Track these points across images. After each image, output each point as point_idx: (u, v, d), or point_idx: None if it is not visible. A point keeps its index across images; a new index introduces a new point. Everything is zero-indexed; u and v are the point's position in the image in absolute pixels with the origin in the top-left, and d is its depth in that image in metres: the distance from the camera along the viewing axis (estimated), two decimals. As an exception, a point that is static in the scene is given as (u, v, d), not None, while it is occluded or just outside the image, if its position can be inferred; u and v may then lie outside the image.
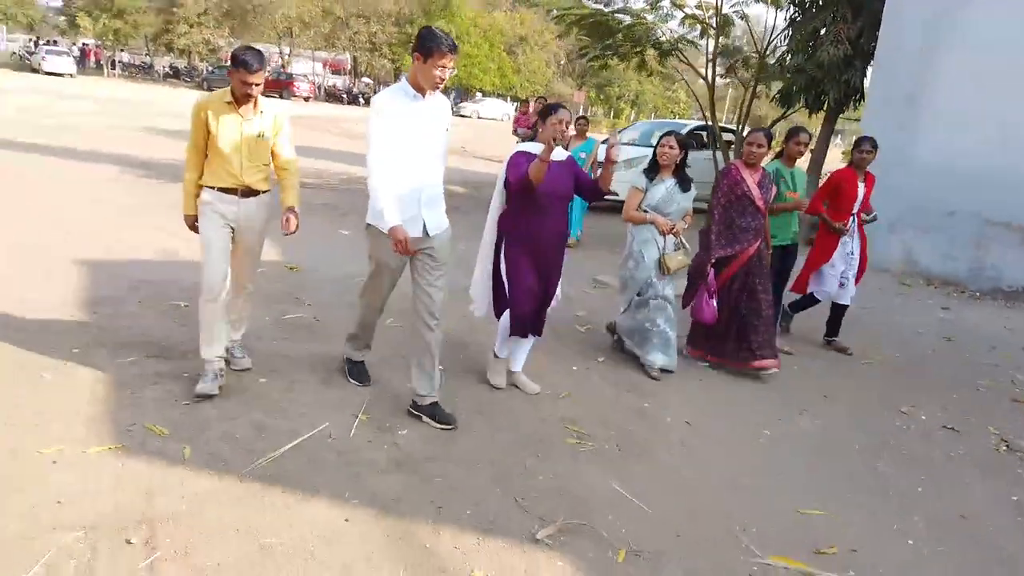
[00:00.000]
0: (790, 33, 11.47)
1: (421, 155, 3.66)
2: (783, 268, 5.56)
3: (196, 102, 3.77)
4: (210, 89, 38.29)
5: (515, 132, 12.81)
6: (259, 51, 3.72)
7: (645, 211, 4.84)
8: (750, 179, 4.92)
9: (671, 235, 4.82)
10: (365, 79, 52.13)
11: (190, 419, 3.42)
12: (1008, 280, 8.87)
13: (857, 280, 5.88)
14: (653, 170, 4.85)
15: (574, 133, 8.29)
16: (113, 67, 46.50)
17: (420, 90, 3.61)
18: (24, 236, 6.28)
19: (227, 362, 3.97)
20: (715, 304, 4.94)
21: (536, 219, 4.09)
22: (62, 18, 44.41)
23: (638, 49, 11.52)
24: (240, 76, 3.58)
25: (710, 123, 11.68)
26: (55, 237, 6.36)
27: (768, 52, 11.51)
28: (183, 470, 2.98)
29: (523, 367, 4.49)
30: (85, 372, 3.79)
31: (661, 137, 4.83)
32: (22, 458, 2.91)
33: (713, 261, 4.96)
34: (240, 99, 3.71)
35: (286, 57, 49.69)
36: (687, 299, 5.18)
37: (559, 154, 4.19)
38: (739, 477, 3.57)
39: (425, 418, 3.77)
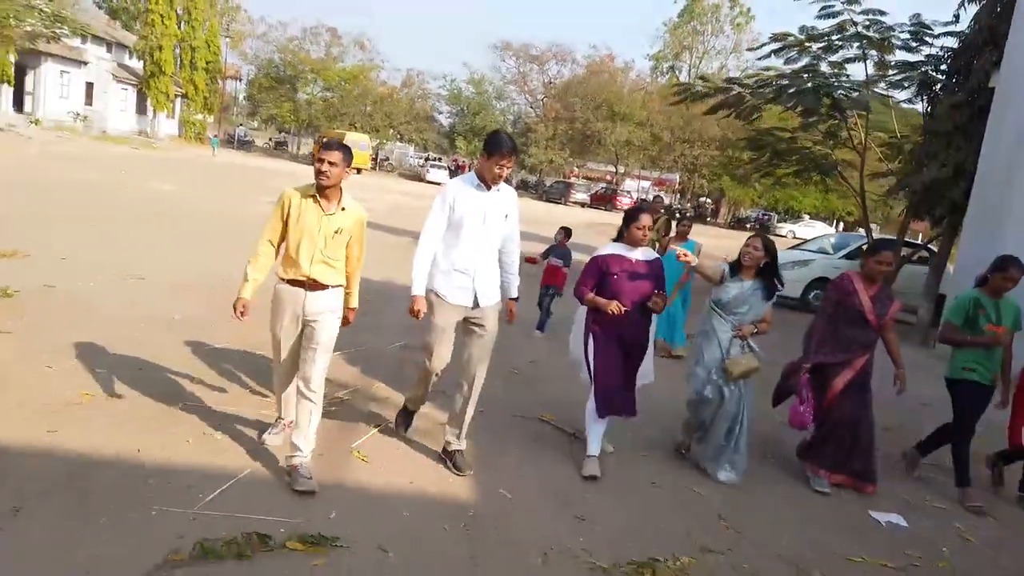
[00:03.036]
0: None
1: (479, 237, 4.11)
2: (974, 408, 4.90)
3: (281, 192, 3.83)
4: (548, 201, 45.18)
5: None
6: (340, 142, 3.83)
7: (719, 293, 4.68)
8: (864, 291, 4.72)
9: (738, 338, 4.62)
10: (704, 198, 54.77)
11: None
12: None
13: None
14: (736, 268, 4.70)
15: (673, 235, 8.74)
16: (477, 178, 56.14)
17: (484, 182, 4.11)
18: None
19: (288, 473, 3.72)
20: (805, 410, 4.71)
21: (614, 319, 4.35)
22: (446, 140, 55.60)
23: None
24: (320, 155, 3.68)
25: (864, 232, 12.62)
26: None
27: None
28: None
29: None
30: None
31: (748, 240, 4.73)
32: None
33: (808, 367, 4.77)
34: (321, 190, 3.71)
35: (618, 176, 54.98)
36: (776, 399, 5.10)
37: (645, 254, 4.53)
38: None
39: (448, 464, 4.21)
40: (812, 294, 13.05)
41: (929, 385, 8.01)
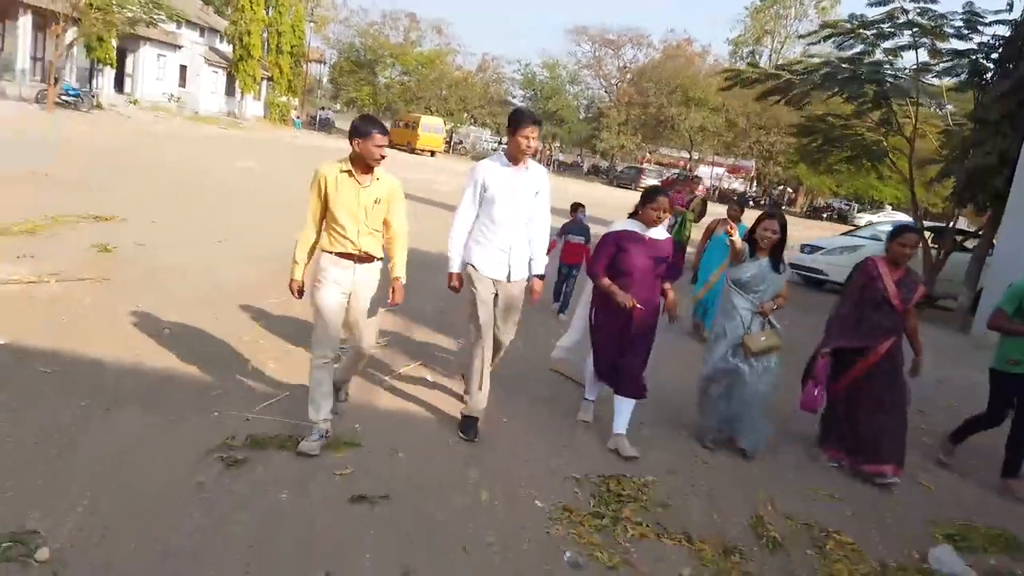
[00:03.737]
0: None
1: (510, 214, 4.26)
2: (1008, 401, 4.88)
3: (316, 170, 3.89)
4: (619, 186, 45.35)
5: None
6: (377, 119, 3.88)
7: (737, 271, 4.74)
8: (888, 276, 4.71)
9: (759, 315, 4.71)
10: (782, 186, 53.56)
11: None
12: None
13: None
14: (752, 248, 4.77)
15: (721, 219, 8.05)
16: (549, 164, 56.41)
17: (514, 160, 4.24)
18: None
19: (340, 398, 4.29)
20: (819, 393, 4.76)
21: (624, 289, 4.42)
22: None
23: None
24: (375, 142, 3.72)
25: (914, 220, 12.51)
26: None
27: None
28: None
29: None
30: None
31: (762, 219, 4.81)
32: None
33: (828, 351, 4.80)
34: (360, 166, 3.80)
35: (691, 162, 54.45)
36: (804, 379, 5.04)
37: (658, 233, 4.57)
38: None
39: (459, 432, 4.35)
40: (861, 280, 13.20)
41: (964, 370, 8.26)
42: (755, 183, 56.19)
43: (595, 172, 57.70)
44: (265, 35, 45.50)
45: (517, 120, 4.16)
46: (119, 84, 36.30)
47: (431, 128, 44.78)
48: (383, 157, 3.80)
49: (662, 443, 4.79)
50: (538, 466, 4.12)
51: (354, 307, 3.98)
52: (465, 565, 3.10)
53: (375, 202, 3.88)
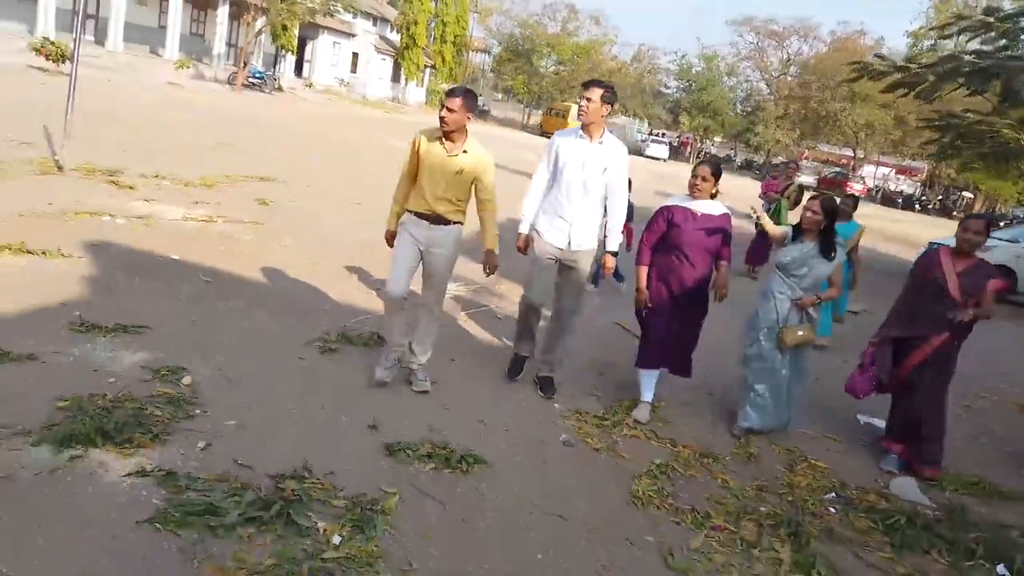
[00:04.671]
0: None
1: (576, 184, 4.38)
2: None
3: (416, 133, 4.20)
4: (773, 179, 43.73)
5: (761, 196, 11.39)
6: (462, 87, 4.10)
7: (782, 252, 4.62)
8: (950, 265, 4.46)
9: (798, 306, 4.56)
10: (961, 190, 49.29)
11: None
12: None
13: None
14: (797, 231, 4.68)
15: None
16: (698, 155, 55.51)
17: (587, 133, 4.36)
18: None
19: (409, 382, 4.41)
20: (864, 379, 4.61)
21: (675, 263, 4.48)
22: (670, 115, 55.54)
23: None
24: (445, 105, 3.96)
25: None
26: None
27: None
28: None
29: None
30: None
31: (809, 199, 4.66)
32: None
33: (876, 339, 4.68)
34: (448, 136, 4.03)
35: (855, 161, 51.72)
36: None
37: (713, 208, 4.52)
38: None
39: (536, 387, 4.72)
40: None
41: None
42: (926, 186, 52.48)
43: (747, 167, 56.16)
44: (432, 24, 48.19)
45: (582, 86, 4.43)
46: (298, 69, 40.04)
47: (581, 117, 45.59)
48: (444, 121, 3.98)
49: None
50: (571, 385, 4.98)
51: (428, 262, 4.26)
52: (479, 431, 4.07)
53: (457, 172, 4.10)
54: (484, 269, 4.32)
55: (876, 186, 49.68)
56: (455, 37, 49.67)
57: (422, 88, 50.46)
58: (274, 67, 35.93)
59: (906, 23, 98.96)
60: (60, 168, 8.27)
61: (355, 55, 44.43)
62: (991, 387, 6.79)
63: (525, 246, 4.63)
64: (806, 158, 53.27)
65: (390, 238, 4.37)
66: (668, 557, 3.17)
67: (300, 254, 6.96)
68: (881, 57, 13.36)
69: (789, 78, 52.04)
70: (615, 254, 4.67)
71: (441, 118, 4.01)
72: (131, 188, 8.14)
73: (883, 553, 3.51)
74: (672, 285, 4.50)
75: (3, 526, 2.57)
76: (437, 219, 4.17)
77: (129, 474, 2.98)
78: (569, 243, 4.46)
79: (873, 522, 3.76)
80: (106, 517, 2.71)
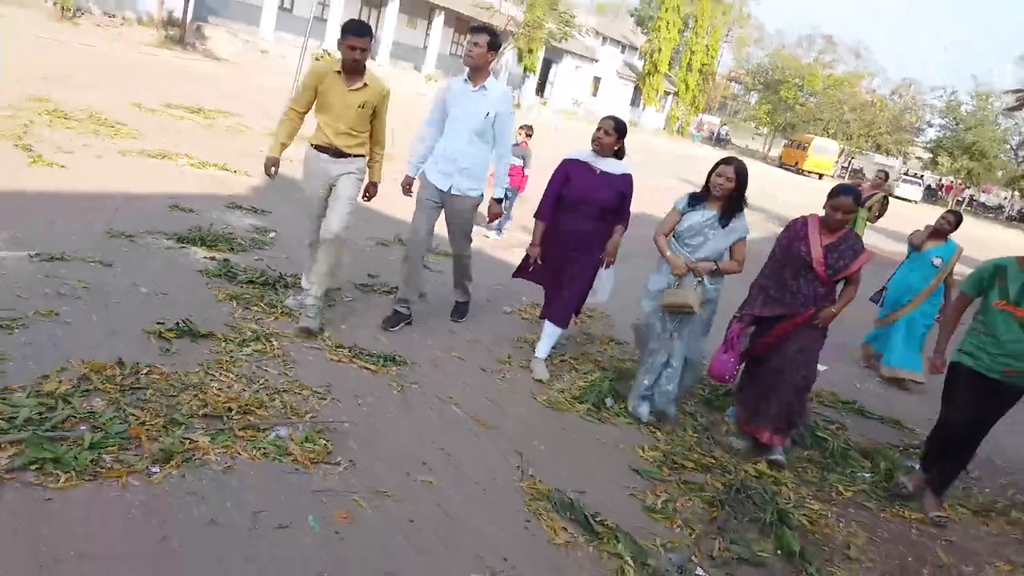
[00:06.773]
0: None
1: (458, 129, 4.40)
2: (998, 408, 3.92)
3: (313, 65, 4.17)
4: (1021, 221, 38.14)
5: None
6: (364, 22, 3.97)
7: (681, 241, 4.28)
8: (817, 238, 4.10)
9: (692, 274, 4.17)
10: None
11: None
12: None
13: None
14: (700, 197, 4.25)
15: (922, 229, 6.74)
16: (969, 204, 49.83)
17: (472, 79, 4.37)
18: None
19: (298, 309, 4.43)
20: (727, 359, 4.20)
21: (565, 216, 4.42)
22: (928, 155, 50.70)
23: None
24: (347, 42, 3.88)
25: None
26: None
27: None
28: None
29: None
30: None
31: (720, 166, 4.18)
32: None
33: (739, 316, 4.31)
34: (348, 67, 3.96)
35: None
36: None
37: (615, 166, 4.40)
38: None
39: (453, 314, 5.12)
40: None
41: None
42: None
43: (1021, 219, 49.77)
44: (680, 53, 49.32)
45: (469, 31, 4.60)
46: (540, 90, 43.57)
47: (823, 150, 44.07)
48: (356, 61, 3.98)
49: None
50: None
51: (334, 195, 4.29)
52: (478, 378, 4.40)
53: (360, 106, 4.12)
54: (363, 196, 4.50)
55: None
56: (702, 65, 50.29)
57: (661, 114, 51.74)
58: (520, 87, 39.59)
59: None
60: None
61: (597, 79, 47.08)
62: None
63: (408, 187, 4.70)
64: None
65: (269, 165, 4.32)
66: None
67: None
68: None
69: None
70: (500, 201, 4.77)
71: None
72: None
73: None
74: (561, 239, 4.49)
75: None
76: (338, 153, 4.25)
77: (206, 257, 5.25)
78: (451, 188, 4.55)
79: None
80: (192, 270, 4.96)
